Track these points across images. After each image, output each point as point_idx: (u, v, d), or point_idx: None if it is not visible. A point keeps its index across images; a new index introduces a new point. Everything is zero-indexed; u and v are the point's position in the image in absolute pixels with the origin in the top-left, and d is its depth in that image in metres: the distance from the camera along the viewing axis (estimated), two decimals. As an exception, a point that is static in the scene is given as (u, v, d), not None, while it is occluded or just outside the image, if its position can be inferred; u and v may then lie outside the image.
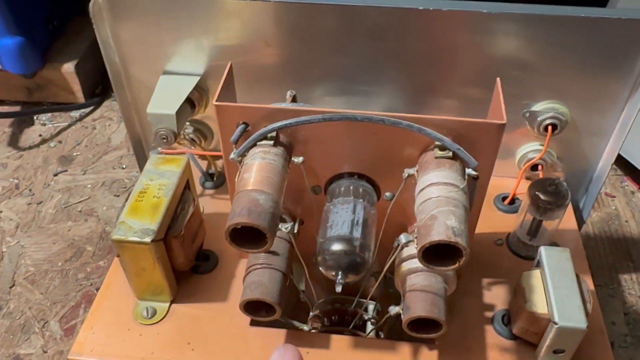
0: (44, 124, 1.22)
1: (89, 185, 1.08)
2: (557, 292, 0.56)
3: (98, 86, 1.28)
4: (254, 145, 0.53)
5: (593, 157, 0.76)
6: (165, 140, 0.70)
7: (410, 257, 0.58)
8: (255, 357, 0.61)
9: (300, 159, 0.54)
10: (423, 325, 0.55)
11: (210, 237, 0.72)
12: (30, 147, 1.17)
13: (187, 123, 0.79)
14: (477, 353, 0.61)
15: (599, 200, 1.04)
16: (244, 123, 0.54)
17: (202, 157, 0.82)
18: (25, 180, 1.09)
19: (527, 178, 0.78)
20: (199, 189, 0.79)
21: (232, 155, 0.54)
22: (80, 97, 1.24)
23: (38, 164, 1.13)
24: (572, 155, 0.76)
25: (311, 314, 0.69)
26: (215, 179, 0.79)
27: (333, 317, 0.72)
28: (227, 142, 0.55)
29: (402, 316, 0.55)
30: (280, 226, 0.49)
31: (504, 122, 0.51)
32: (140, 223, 0.59)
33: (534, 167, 0.76)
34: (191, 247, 0.65)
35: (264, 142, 0.53)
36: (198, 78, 0.73)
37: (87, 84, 1.25)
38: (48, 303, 0.89)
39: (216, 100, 0.54)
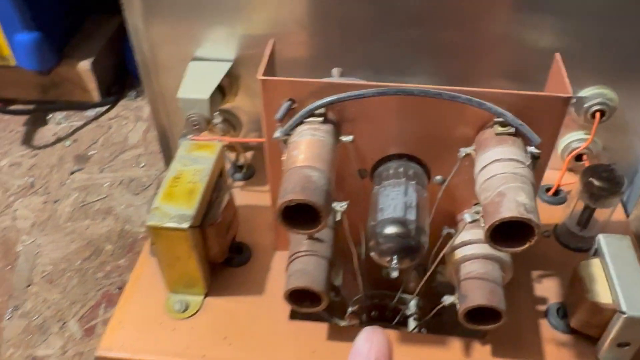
0: (59, 123, 1.20)
1: (107, 184, 1.05)
2: (622, 280, 0.53)
3: (114, 85, 1.26)
4: (301, 123, 0.50)
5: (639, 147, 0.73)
6: (197, 127, 0.67)
7: (465, 243, 0.54)
8: (295, 351, 0.57)
9: (350, 137, 0.51)
10: (479, 316, 0.52)
11: (241, 229, 0.68)
12: (45, 146, 1.14)
13: (216, 113, 0.76)
14: (532, 348, 0.57)
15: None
16: (290, 99, 0.51)
17: (230, 149, 0.79)
18: (41, 179, 1.06)
19: (570, 170, 0.75)
20: (228, 180, 0.76)
21: (276, 134, 0.50)
22: (95, 96, 1.22)
23: (53, 162, 1.10)
24: (618, 145, 0.73)
25: (349, 309, 0.66)
26: (244, 170, 0.76)
27: (372, 314, 0.68)
28: (270, 120, 0.52)
29: (457, 306, 0.52)
30: (334, 205, 0.46)
31: (569, 95, 0.48)
32: (176, 209, 0.56)
33: (578, 158, 0.73)
34: (225, 238, 0.62)
35: (312, 119, 0.50)
36: (230, 64, 0.71)
37: (104, 82, 1.23)
38: (67, 303, 0.85)
39: (260, 75, 0.51)
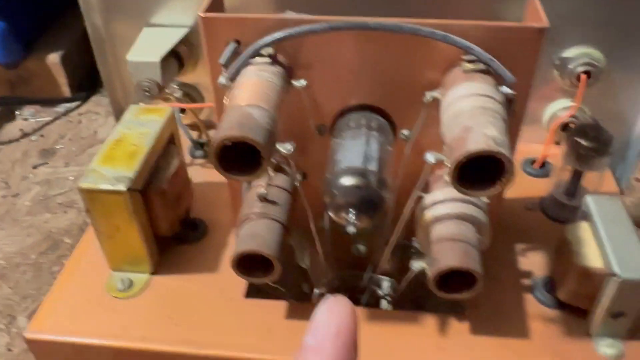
0: (27, 119, 1.14)
1: (71, 178, 0.99)
2: (613, 241, 0.47)
3: (86, 80, 1.21)
4: (247, 65, 0.45)
5: (631, 114, 0.67)
6: (147, 93, 0.61)
7: (435, 202, 0.48)
8: (249, 330, 0.50)
9: (303, 81, 0.46)
10: (453, 284, 0.45)
11: (199, 206, 0.62)
12: (10, 142, 1.08)
13: (176, 86, 0.70)
14: (517, 325, 0.50)
15: (631, 186, 0.95)
16: (235, 41, 0.46)
17: (192, 128, 0.73)
18: (2, 174, 1.00)
19: (557, 143, 0.69)
20: (187, 159, 0.70)
21: (221, 79, 0.45)
22: (66, 91, 1.17)
23: (17, 157, 1.04)
24: (608, 113, 0.67)
25: (316, 291, 0.59)
26: (206, 147, 0.70)
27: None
28: (215, 64, 0.47)
29: (427, 273, 0.46)
30: (279, 146, 0.40)
31: (545, 25, 0.43)
32: (114, 171, 0.50)
33: (565, 128, 0.67)
34: (175, 210, 0.56)
35: (258, 59, 0.45)
36: (186, 30, 0.66)
37: (75, 77, 1.18)
38: (17, 298, 0.79)
39: (202, 12, 0.46)
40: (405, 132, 0.50)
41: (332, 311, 0.20)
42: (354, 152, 0.45)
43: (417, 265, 0.46)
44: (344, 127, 0.48)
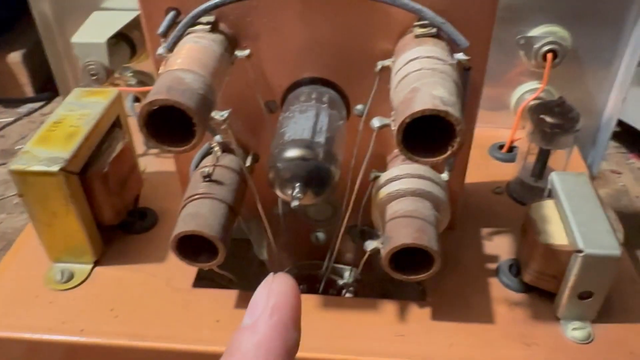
0: (-13, 120, 1.10)
1: (30, 178, 0.95)
2: (578, 217, 0.44)
3: (50, 80, 1.17)
4: (187, 34, 0.42)
5: (600, 95, 0.65)
6: (94, 77, 0.58)
7: (391, 180, 0.45)
8: (195, 320, 0.47)
9: (246, 51, 0.43)
10: (409, 265, 0.43)
11: (151, 195, 0.59)
12: (-33, 143, 1.04)
13: (130, 74, 0.67)
14: (480, 310, 0.48)
15: (606, 177, 0.93)
16: (173, 9, 0.43)
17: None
18: (-43, 175, 0.96)
19: (524, 128, 0.67)
20: (141, 148, 0.67)
21: (159, 50, 0.42)
22: (29, 91, 1.13)
23: (-26, 157, 1.00)
24: (576, 94, 0.65)
25: (274, 282, 0.56)
26: (161, 137, 0.67)
27: (300, 287, 0.59)
28: (154, 36, 0.44)
29: (381, 251, 0.43)
30: (214, 114, 0.37)
31: (498, -15, 0.41)
32: (48, 152, 0.47)
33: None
34: (121, 197, 0.53)
35: (198, 27, 0.42)
36: (137, 13, 0.63)
37: (38, 77, 1.14)
38: (-35, 300, 0.74)
39: (137, -22, 0.43)
40: (359, 107, 0.47)
41: (269, 289, 0.19)
42: (301, 125, 0.42)
43: (370, 245, 0.43)
44: (293, 101, 0.46)
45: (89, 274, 0.51)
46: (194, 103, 0.35)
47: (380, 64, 0.42)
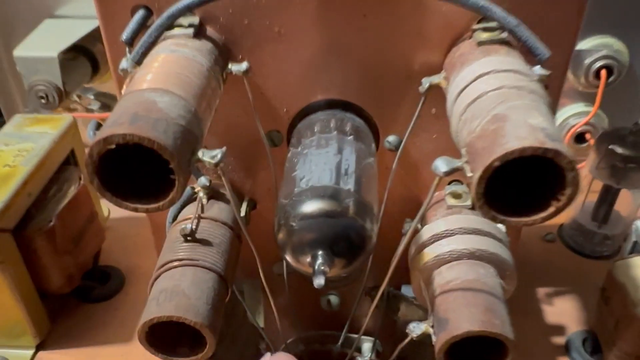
0: None
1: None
2: (688, 284, 0.33)
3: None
4: (161, 41, 0.31)
5: (658, 120, 0.55)
6: (43, 101, 0.46)
7: (437, 237, 0.34)
8: None
9: (244, 64, 0.31)
10: (470, 352, 0.31)
11: (115, 250, 0.47)
12: None
13: (91, 97, 0.55)
14: (554, 404, 0.36)
15: None
16: (142, 7, 0.32)
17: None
18: None
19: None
20: (106, 187, 0.54)
21: (123, 63, 0.30)
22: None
23: None
24: (630, 120, 0.55)
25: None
26: (130, 173, 0.55)
27: (309, 364, 0.46)
28: (115, 44, 0.32)
29: (433, 338, 0.31)
30: (201, 154, 0.25)
31: (592, -24, 0.30)
32: (-29, 202, 0.34)
33: (580, 139, 0.54)
34: (74, 256, 0.40)
35: (177, 31, 0.30)
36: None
37: None
38: None
39: (93, -35, 0.31)
40: (391, 138, 0.36)
41: None
42: (321, 166, 0.30)
43: (416, 329, 0.32)
44: (305, 132, 0.34)
45: (29, 364, 0.38)
46: (172, 139, 0.23)
47: (427, 82, 0.31)
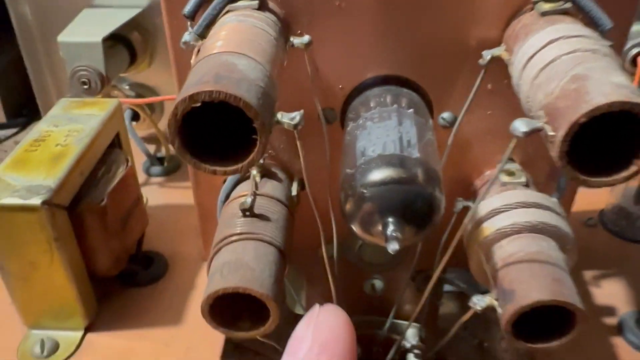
0: (-50, 149, 0.96)
1: None
2: None
3: (25, 106, 1.04)
4: (223, 13, 0.31)
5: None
6: (86, 87, 0.46)
7: (495, 211, 0.34)
8: (232, 411, 0.34)
9: (306, 38, 0.31)
10: (532, 328, 0.31)
11: (156, 236, 0.47)
12: None
13: (126, 86, 0.55)
14: (611, 383, 0.36)
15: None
16: (205, -19, 0.32)
17: (149, 141, 0.58)
18: None
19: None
20: (142, 177, 0.54)
21: (186, 36, 0.30)
22: (0, 117, 0.99)
23: None
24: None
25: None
26: (166, 163, 0.55)
27: (354, 350, 0.46)
28: (174, 18, 0.32)
29: (498, 311, 0.31)
30: (280, 116, 0.25)
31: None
32: (26, 179, 0.34)
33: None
34: (122, 239, 0.40)
35: (240, 3, 0.31)
36: (138, 11, 0.51)
37: (10, 102, 1.01)
38: None
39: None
40: (445, 115, 0.36)
41: (315, 323, 0.16)
42: (384, 136, 0.30)
43: (481, 301, 0.31)
44: (363, 107, 0.34)
45: (79, 344, 0.38)
46: (255, 98, 0.23)
47: (488, 54, 0.31)
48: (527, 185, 0.36)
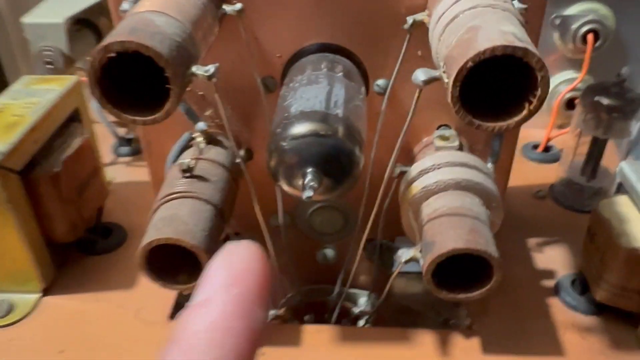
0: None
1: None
2: (669, 212, 0.34)
3: None
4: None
5: (646, 86, 0.56)
6: (51, 66, 0.48)
7: (425, 171, 0.35)
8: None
9: (238, 5, 0.33)
10: (455, 279, 0.32)
11: (119, 210, 0.48)
12: None
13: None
14: (542, 339, 0.37)
15: None
16: (143, -48, 0.33)
17: (119, 123, 0.60)
18: None
19: (560, 127, 0.58)
20: (110, 157, 0.56)
21: (124, 5, 0.32)
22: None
23: None
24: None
25: (272, 312, 0.45)
26: (133, 143, 0.57)
27: (306, 317, 0.47)
28: (116, -11, 0.34)
29: (420, 262, 0.32)
30: (195, 69, 0.27)
31: None
32: (-21, 145, 0.36)
33: (570, 105, 0.56)
34: (77, 206, 0.42)
35: (174, -28, 0.32)
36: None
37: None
38: None
39: None
40: (380, 82, 0.37)
41: (226, 258, 0.15)
42: (312, 95, 0.32)
43: (405, 254, 0.33)
44: (297, 73, 0.36)
45: (35, 306, 0.39)
46: (167, 49, 0.25)
47: (410, 19, 0.33)
48: (460, 149, 0.38)
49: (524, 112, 0.25)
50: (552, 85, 0.57)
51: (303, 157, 0.29)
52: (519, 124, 0.26)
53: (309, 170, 0.29)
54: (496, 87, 0.27)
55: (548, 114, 0.56)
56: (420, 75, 0.26)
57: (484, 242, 0.31)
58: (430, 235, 0.32)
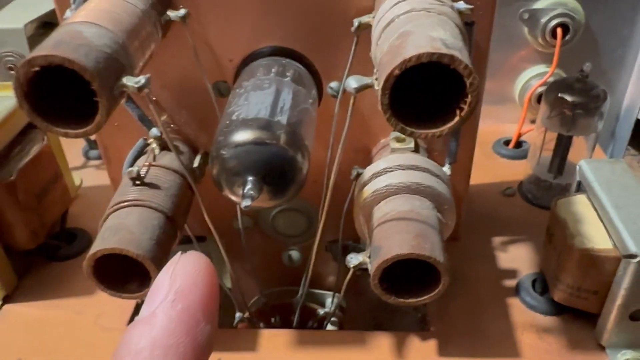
0: None
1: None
2: (623, 213, 0.34)
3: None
4: (102, -10, 0.32)
5: (619, 79, 0.56)
6: (13, 72, 0.48)
7: (377, 174, 0.35)
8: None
9: (181, 11, 0.33)
10: (406, 284, 0.32)
11: (85, 214, 0.48)
12: None
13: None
14: (500, 340, 0.37)
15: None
16: (85, -41, 0.33)
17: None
18: None
19: (533, 122, 0.57)
20: (81, 160, 0.56)
21: (67, 14, 0.32)
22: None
23: None
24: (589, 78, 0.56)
25: (237, 315, 0.45)
26: (104, 146, 0.56)
27: (273, 319, 0.47)
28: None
29: (369, 267, 0.32)
30: (125, 80, 0.27)
31: None
32: None
33: (541, 100, 0.55)
34: (38, 213, 0.42)
35: (116, -21, 0.32)
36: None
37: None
38: None
39: None
40: (333, 84, 0.37)
41: (171, 271, 0.15)
42: (256, 103, 0.32)
43: (354, 259, 0.33)
44: (247, 78, 0.35)
45: (-5, 314, 0.39)
46: (93, 62, 0.25)
47: (357, 21, 0.32)
48: (416, 150, 0.37)
49: (456, 119, 0.25)
50: (523, 80, 0.56)
51: (243, 166, 0.29)
52: (452, 130, 0.25)
53: (249, 178, 0.29)
54: (435, 92, 0.26)
55: (520, 109, 0.56)
56: (352, 82, 0.26)
57: (430, 247, 0.30)
58: (377, 240, 0.32)
